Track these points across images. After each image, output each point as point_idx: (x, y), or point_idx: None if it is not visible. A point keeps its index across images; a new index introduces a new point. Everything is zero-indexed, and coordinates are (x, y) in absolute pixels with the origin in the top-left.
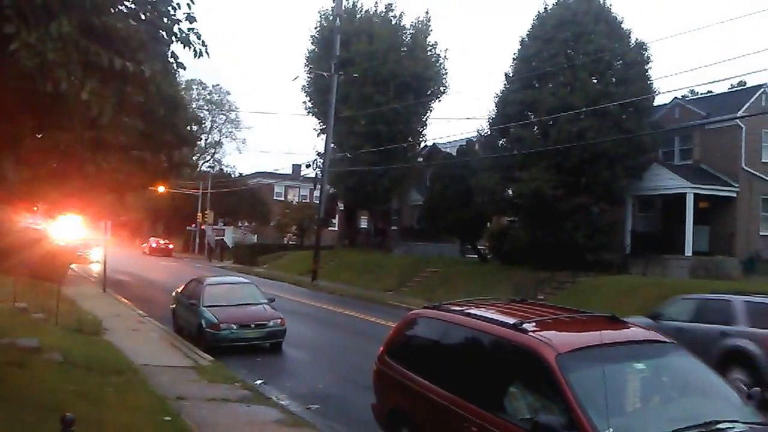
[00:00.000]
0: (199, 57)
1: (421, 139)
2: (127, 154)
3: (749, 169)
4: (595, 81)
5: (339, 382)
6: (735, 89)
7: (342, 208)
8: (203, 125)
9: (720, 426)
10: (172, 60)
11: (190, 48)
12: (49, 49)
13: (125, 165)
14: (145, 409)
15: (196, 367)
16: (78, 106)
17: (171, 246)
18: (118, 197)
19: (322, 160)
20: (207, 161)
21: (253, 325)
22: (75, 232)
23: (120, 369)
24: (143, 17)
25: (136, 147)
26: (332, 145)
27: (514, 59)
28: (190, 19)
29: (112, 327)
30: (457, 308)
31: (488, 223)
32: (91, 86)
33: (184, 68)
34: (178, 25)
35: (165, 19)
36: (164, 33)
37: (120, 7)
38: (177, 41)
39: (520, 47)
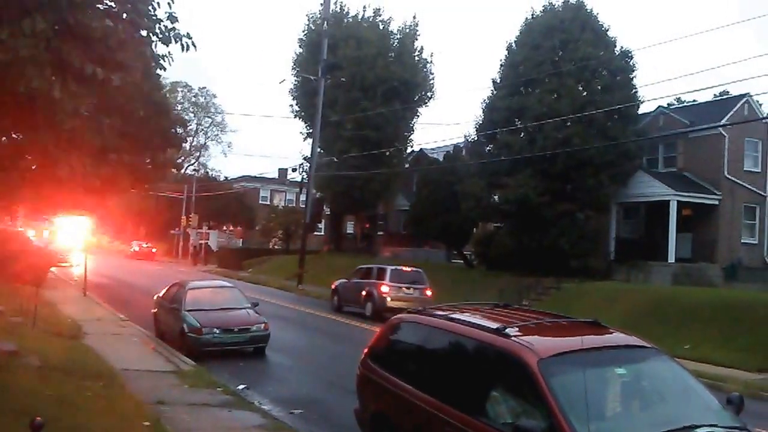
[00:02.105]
0: (186, 50)
1: (408, 144)
2: (106, 156)
3: (731, 178)
4: (581, 88)
5: (322, 386)
6: (718, 98)
7: (328, 213)
8: (188, 127)
9: (699, 430)
10: (153, 62)
11: (173, 44)
12: (21, 46)
13: (104, 167)
14: (124, 414)
15: (177, 371)
16: (52, 105)
17: (154, 250)
18: (99, 200)
19: (308, 165)
20: (192, 164)
21: (236, 330)
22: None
23: (99, 373)
24: (123, 16)
25: (116, 148)
26: (319, 149)
27: (501, 65)
28: (172, 18)
29: (92, 331)
30: (441, 313)
31: (474, 229)
32: (61, 85)
33: (164, 69)
34: (160, 24)
35: (145, 19)
36: (145, 32)
37: (98, 6)
38: (158, 40)
39: (507, 54)
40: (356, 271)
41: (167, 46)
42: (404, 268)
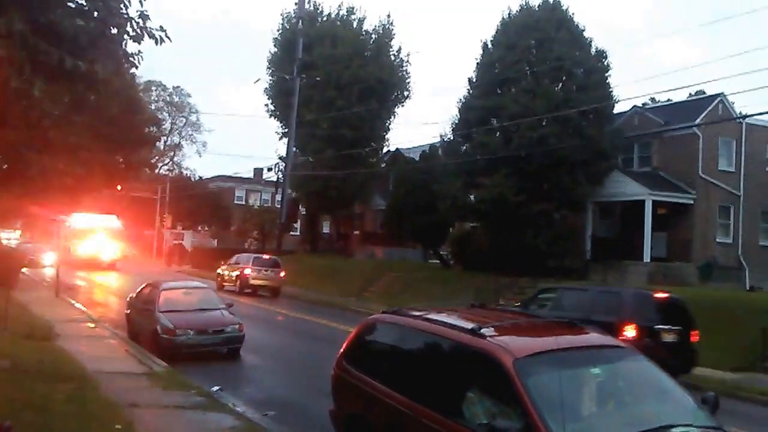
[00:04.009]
0: (160, 44)
1: (384, 144)
2: (78, 156)
3: (706, 177)
4: (557, 88)
5: (297, 387)
6: (693, 98)
7: (304, 213)
8: (162, 127)
9: (674, 430)
10: (124, 59)
11: (146, 39)
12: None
13: (77, 166)
14: (96, 417)
15: (150, 373)
16: (30, 104)
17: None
18: (71, 200)
19: (284, 164)
20: (166, 164)
21: (210, 331)
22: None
23: (71, 375)
24: (95, 15)
25: (89, 147)
26: (294, 148)
27: (477, 65)
28: (144, 16)
29: (64, 332)
30: (416, 313)
31: (451, 229)
32: (41, 84)
33: (137, 67)
34: (131, 22)
35: (117, 17)
36: (116, 30)
37: (69, 4)
38: (130, 38)
39: (483, 53)
40: (235, 259)
41: (139, 43)
42: (264, 257)
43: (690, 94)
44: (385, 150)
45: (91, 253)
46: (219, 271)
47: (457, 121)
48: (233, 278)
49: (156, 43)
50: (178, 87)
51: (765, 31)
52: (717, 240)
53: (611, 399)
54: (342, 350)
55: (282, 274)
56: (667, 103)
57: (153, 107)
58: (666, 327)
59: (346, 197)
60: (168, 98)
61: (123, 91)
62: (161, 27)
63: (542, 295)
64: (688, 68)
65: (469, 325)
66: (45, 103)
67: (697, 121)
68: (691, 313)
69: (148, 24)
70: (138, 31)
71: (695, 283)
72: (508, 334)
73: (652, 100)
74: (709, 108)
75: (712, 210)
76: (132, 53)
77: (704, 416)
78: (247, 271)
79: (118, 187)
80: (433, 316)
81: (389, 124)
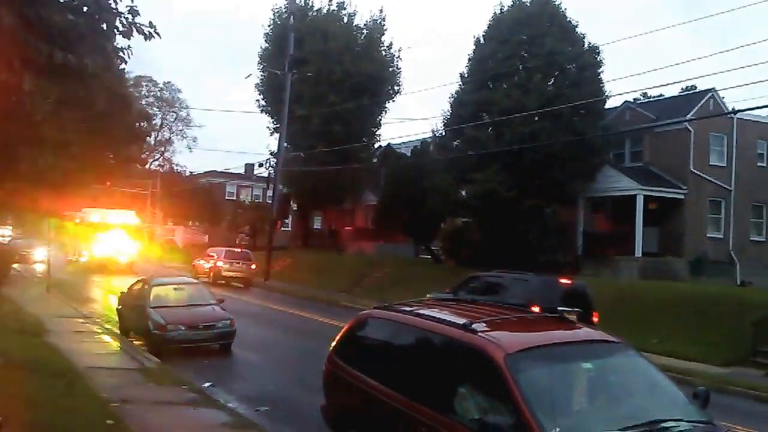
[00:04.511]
0: (150, 39)
1: (375, 139)
2: (68, 151)
3: (697, 172)
4: (549, 83)
5: (289, 383)
6: (684, 93)
7: (295, 208)
8: (153, 122)
9: (665, 425)
10: (114, 54)
11: (135, 35)
12: None
13: (67, 162)
14: (88, 413)
15: (142, 369)
16: (20, 99)
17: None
18: (61, 196)
19: (275, 160)
20: (157, 159)
21: (201, 327)
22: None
23: (62, 371)
24: (84, 10)
25: (80, 143)
26: (285, 144)
27: (469, 60)
28: (133, 12)
29: (55, 328)
30: (408, 308)
31: (442, 224)
32: (31, 78)
33: (126, 62)
34: (120, 17)
35: (106, 12)
36: (105, 25)
37: (59, 0)
38: (119, 34)
39: (475, 48)
40: (209, 252)
41: (128, 39)
42: (235, 250)
43: (682, 89)
44: (376, 146)
45: (108, 253)
46: (194, 263)
47: (448, 117)
48: (206, 270)
49: (145, 38)
50: (168, 82)
51: (756, 26)
52: (708, 235)
53: (602, 394)
54: (333, 346)
55: (253, 266)
56: (659, 98)
57: (143, 102)
58: (567, 309)
59: (338, 193)
60: (158, 93)
61: (113, 86)
62: (150, 23)
63: (472, 283)
64: (680, 64)
65: (461, 321)
66: (35, 98)
67: (689, 116)
68: (591, 298)
69: (138, 19)
70: (127, 26)
71: (686, 278)
72: (500, 329)
73: (644, 95)
74: (701, 103)
75: (703, 205)
76: (122, 48)
77: (695, 411)
78: (220, 263)
79: (108, 183)
80: (424, 311)
81: (381, 119)
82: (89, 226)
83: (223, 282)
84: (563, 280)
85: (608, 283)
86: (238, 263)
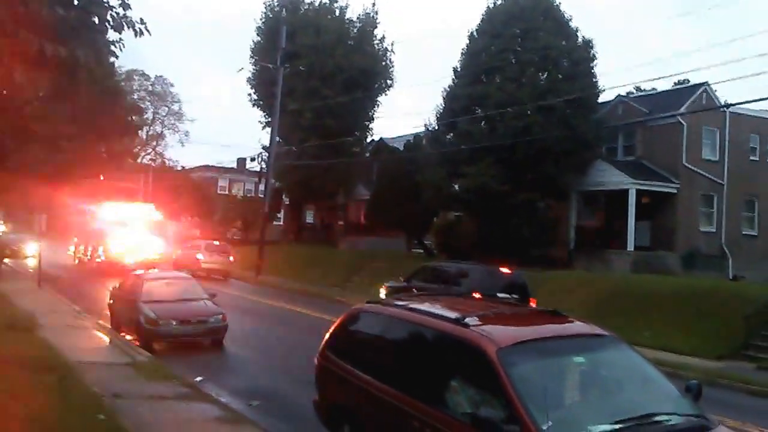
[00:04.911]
0: (140, 36)
1: (368, 133)
2: (59, 145)
3: (690, 166)
4: (542, 77)
5: (282, 378)
6: (677, 87)
7: (288, 203)
8: (144, 116)
9: (657, 419)
10: (105, 48)
11: (126, 30)
12: None
13: (58, 156)
14: (79, 408)
15: (133, 364)
16: (11, 92)
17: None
18: (51, 190)
19: (267, 154)
20: (148, 153)
21: (193, 321)
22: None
23: (54, 366)
24: (75, 3)
25: (71, 137)
26: (278, 138)
27: (462, 54)
28: (124, 5)
29: (46, 323)
30: (400, 303)
31: (435, 218)
32: (22, 71)
33: (117, 57)
34: (112, 11)
35: (97, 6)
36: (96, 19)
37: None
38: (110, 28)
39: (468, 42)
40: (189, 245)
41: (119, 33)
42: (215, 243)
43: (675, 83)
44: (369, 140)
45: (129, 252)
46: (174, 257)
47: (441, 110)
48: (186, 263)
49: (135, 35)
50: (160, 76)
51: (748, 20)
52: (700, 229)
53: (594, 388)
54: (325, 340)
55: (231, 258)
56: (652, 92)
57: (135, 96)
58: (507, 295)
59: (330, 187)
60: (150, 87)
61: (104, 80)
62: (141, 20)
63: (423, 273)
64: (673, 57)
65: (453, 315)
66: (26, 91)
67: (681, 110)
68: (527, 286)
69: (129, 13)
70: (118, 20)
71: (679, 272)
72: (492, 323)
73: (637, 89)
74: (693, 97)
75: (695, 199)
76: (113, 41)
77: (687, 404)
78: (199, 256)
79: (101, 177)
80: (416, 305)
81: (373, 113)
82: (104, 221)
83: (204, 275)
84: (504, 270)
85: (601, 277)
86: (217, 255)
